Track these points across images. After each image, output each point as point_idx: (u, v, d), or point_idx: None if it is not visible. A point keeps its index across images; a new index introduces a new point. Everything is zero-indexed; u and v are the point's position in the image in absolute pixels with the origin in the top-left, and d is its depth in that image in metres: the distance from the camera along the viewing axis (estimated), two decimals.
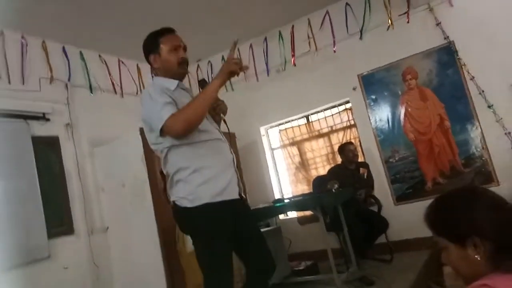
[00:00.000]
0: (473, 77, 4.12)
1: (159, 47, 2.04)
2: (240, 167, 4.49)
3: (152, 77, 2.46)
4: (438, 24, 4.28)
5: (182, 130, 1.82)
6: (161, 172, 3.23)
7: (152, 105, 1.87)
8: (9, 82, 3.67)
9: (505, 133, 3.99)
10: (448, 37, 4.24)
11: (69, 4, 3.58)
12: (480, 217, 1.05)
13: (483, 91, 4.09)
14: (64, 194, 3.86)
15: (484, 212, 1.06)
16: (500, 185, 4.02)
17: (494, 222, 1.04)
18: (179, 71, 2.06)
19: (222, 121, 2.15)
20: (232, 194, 1.96)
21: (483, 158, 4.13)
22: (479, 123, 4.14)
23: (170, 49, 2.03)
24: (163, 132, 1.86)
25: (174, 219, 2.05)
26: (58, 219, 3.75)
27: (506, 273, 1.00)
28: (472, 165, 4.20)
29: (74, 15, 3.79)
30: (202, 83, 2.12)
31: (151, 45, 2.08)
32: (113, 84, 4.69)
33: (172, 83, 2.01)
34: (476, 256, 1.03)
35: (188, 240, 2.58)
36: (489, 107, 4.07)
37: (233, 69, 1.89)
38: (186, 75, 2.19)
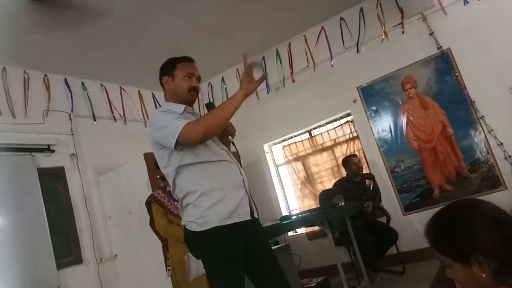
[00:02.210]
0: (465, 87, 4.15)
1: (174, 71, 2.08)
2: None
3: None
4: (431, 34, 4.32)
5: (202, 133, 1.81)
6: (147, 203, 3.23)
7: (165, 118, 1.90)
8: (14, 117, 3.74)
9: (498, 144, 4.02)
10: (441, 46, 4.27)
11: (69, 36, 3.66)
12: (482, 236, 1.03)
13: (474, 102, 4.13)
14: (72, 224, 3.89)
15: (485, 229, 1.04)
16: (508, 189, 3.98)
17: (497, 240, 1.02)
18: (187, 98, 2.08)
19: (231, 144, 2.15)
20: (243, 215, 1.93)
21: (489, 163, 4.10)
22: (482, 128, 4.12)
23: (184, 75, 2.07)
24: (178, 141, 1.83)
25: (185, 243, 2.03)
26: (67, 249, 3.77)
27: None
28: (478, 170, 4.17)
29: (74, 47, 3.87)
30: (209, 106, 2.14)
31: (167, 68, 2.11)
32: (115, 111, 4.75)
33: (180, 107, 2.04)
34: (481, 274, 1.02)
35: (191, 268, 2.56)
36: (480, 118, 4.10)
37: (246, 74, 1.89)
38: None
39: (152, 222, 3.24)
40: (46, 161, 3.87)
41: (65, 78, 4.32)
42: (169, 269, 3.15)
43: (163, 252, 3.24)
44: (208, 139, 1.90)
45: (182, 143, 1.85)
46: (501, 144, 4.01)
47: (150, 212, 3.23)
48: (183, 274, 2.86)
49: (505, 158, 4.01)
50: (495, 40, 4.03)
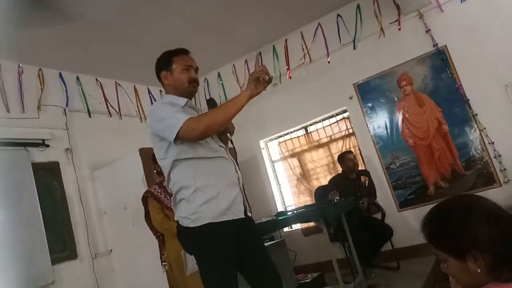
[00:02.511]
0: (460, 85, 4.18)
1: (172, 65, 2.05)
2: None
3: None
4: (427, 31, 4.32)
5: (203, 130, 1.81)
6: (143, 198, 3.22)
7: (166, 110, 1.89)
8: (8, 111, 3.71)
9: (489, 143, 4.07)
10: (437, 44, 4.28)
11: (63, 31, 3.63)
12: (479, 232, 1.03)
13: (468, 99, 4.16)
14: (67, 219, 3.87)
15: (482, 226, 1.04)
16: (503, 186, 4.01)
17: (493, 236, 1.03)
18: (188, 90, 2.07)
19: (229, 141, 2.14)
20: (237, 213, 1.93)
21: (484, 160, 4.12)
22: (477, 125, 4.14)
23: (182, 68, 2.05)
24: (178, 135, 1.82)
25: (177, 239, 2.03)
26: (61, 244, 3.75)
27: (506, 282, 1.00)
28: (473, 167, 4.19)
29: (69, 42, 3.84)
30: (211, 102, 2.14)
31: (164, 63, 2.08)
32: (110, 106, 4.72)
33: (182, 100, 2.02)
34: (476, 269, 1.03)
35: (188, 263, 2.56)
36: (473, 116, 4.13)
37: (257, 75, 1.87)
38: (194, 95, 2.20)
39: (147, 218, 3.23)
40: (41, 156, 3.84)
41: (60, 73, 4.28)
42: (164, 265, 3.15)
43: (159, 247, 3.23)
44: (208, 136, 1.91)
45: (182, 138, 1.85)
46: (492, 142, 4.04)
47: (146, 207, 3.22)
48: (180, 270, 2.85)
49: (495, 157, 4.04)
50: (492, 38, 4.04)
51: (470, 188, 4.15)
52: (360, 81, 4.76)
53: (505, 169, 4.00)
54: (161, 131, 1.89)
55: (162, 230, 3.12)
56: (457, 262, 1.06)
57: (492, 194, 3.93)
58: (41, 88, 4.06)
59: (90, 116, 4.45)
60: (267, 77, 1.86)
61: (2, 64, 3.77)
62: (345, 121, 5.03)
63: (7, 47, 3.59)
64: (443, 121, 4.33)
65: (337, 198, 3.68)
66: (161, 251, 3.21)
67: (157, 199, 3.11)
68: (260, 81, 1.87)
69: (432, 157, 4.39)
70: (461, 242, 1.05)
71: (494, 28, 4.03)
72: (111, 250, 4.11)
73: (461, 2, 4.19)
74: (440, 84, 4.34)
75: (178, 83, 2.05)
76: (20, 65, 3.91)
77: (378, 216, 4.27)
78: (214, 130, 1.87)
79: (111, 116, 4.70)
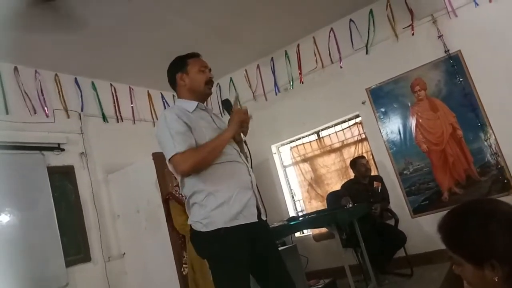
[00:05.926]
0: (475, 90, 4.13)
1: (187, 67, 2.08)
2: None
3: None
4: (440, 36, 4.28)
5: (187, 170, 1.87)
6: (165, 200, 3.21)
7: (166, 131, 1.90)
8: (24, 115, 3.78)
9: (493, 153, 4.03)
10: (448, 50, 4.24)
11: (79, 36, 3.69)
12: (499, 241, 1.00)
13: (482, 105, 4.10)
14: (81, 222, 3.92)
15: (503, 234, 1.00)
16: None
17: None
18: (205, 91, 2.09)
19: (243, 143, 2.15)
20: (249, 217, 1.92)
21: (499, 166, 4.06)
22: (492, 130, 4.08)
23: (198, 69, 2.08)
24: (169, 163, 1.90)
25: (190, 243, 2.04)
26: (75, 247, 3.80)
27: None
28: (488, 173, 4.12)
29: (84, 47, 3.91)
30: (226, 103, 2.17)
31: (179, 65, 2.11)
32: (124, 111, 4.78)
33: (192, 104, 2.04)
34: (493, 278, 1.00)
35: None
36: (480, 125, 4.09)
37: (242, 118, 2.02)
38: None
39: (170, 220, 3.23)
40: (56, 159, 3.90)
41: (75, 78, 4.36)
42: (185, 267, 3.15)
43: (179, 249, 3.21)
44: (195, 173, 1.91)
45: (172, 168, 1.91)
46: (496, 153, 4.01)
47: (167, 209, 3.23)
48: (203, 273, 2.85)
49: (498, 167, 4.00)
50: (507, 43, 3.98)
51: (485, 194, 4.08)
52: (373, 86, 4.73)
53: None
54: (161, 147, 1.95)
55: (184, 232, 3.09)
56: (474, 269, 1.03)
57: (508, 201, 3.80)
58: (60, 93, 4.13)
59: (105, 121, 4.51)
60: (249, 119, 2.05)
61: (20, 69, 3.85)
62: (357, 126, 5.00)
63: (24, 53, 3.67)
64: (457, 126, 4.28)
65: (350, 203, 3.65)
66: (181, 253, 3.19)
67: (178, 201, 3.09)
68: (243, 123, 2.02)
69: (446, 162, 4.33)
70: (480, 250, 1.02)
71: (508, 33, 3.98)
72: (124, 253, 4.14)
73: (475, 6, 4.15)
74: (454, 89, 4.29)
75: (195, 83, 2.06)
76: (37, 70, 3.99)
77: (391, 222, 4.23)
78: (200, 168, 1.89)
79: (123, 120, 4.75)
